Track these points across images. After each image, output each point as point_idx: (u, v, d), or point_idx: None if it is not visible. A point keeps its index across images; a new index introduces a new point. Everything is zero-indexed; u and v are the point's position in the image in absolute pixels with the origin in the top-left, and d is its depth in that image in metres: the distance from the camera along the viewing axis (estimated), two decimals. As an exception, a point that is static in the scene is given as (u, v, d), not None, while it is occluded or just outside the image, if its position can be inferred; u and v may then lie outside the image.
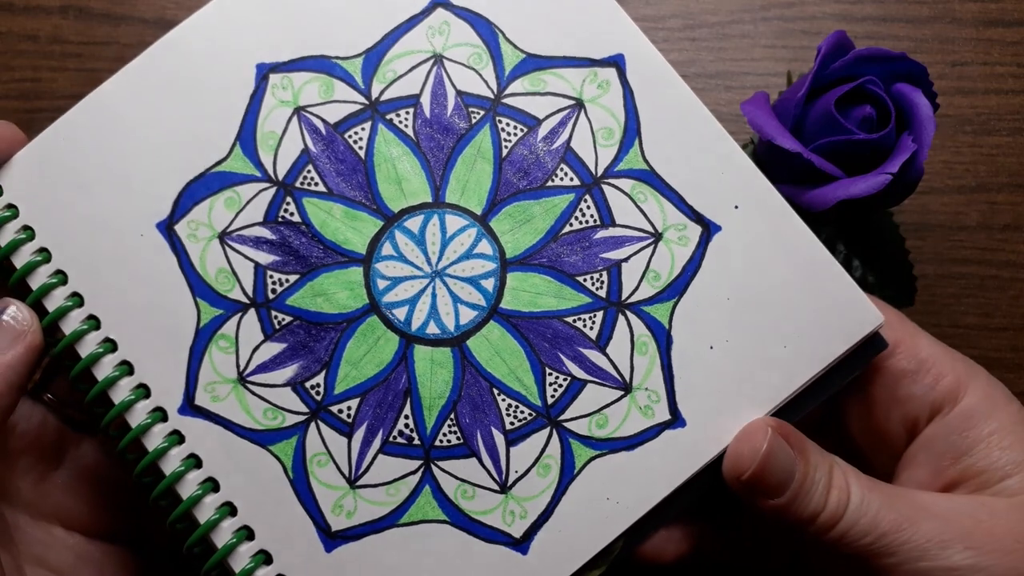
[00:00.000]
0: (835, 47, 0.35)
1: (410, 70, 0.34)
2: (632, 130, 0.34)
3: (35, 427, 0.34)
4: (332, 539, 0.33)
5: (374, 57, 0.35)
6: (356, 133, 0.34)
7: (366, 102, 0.35)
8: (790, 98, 0.35)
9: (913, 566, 0.29)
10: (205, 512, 0.32)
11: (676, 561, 0.35)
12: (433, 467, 0.33)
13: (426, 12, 0.35)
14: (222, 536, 0.32)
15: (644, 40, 0.34)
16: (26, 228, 0.34)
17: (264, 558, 0.32)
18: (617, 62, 0.34)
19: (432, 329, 0.34)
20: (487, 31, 0.35)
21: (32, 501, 0.34)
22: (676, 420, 0.33)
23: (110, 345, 0.34)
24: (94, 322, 0.34)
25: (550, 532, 0.32)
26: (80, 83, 0.46)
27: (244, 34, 0.35)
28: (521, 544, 0.32)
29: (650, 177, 0.33)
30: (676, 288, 0.33)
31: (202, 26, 0.35)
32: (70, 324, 0.33)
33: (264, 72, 0.35)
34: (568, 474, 0.33)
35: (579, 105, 0.34)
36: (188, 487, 0.33)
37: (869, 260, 0.40)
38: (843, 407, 0.36)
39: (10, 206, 0.34)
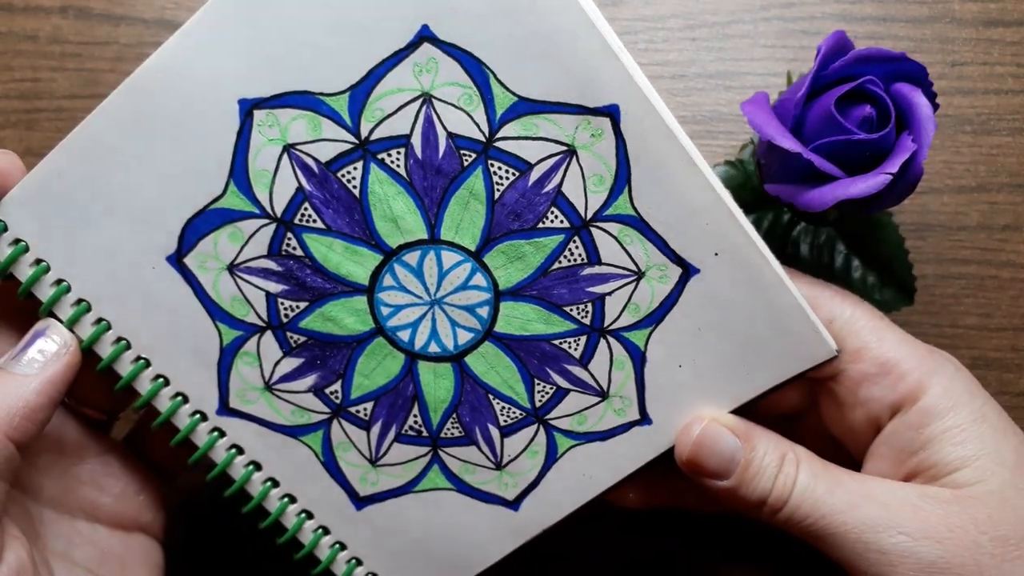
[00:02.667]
0: (835, 47, 0.31)
1: (399, 109, 0.30)
2: (623, 178, 0.30)
3: (56, 426, 0.33)
4: (361, 501, 0.35)
5: (360, 94, 0.30)
6: (349, 172, 0.31)
7: (356, 142, 0.30)
8: (790, 98, 0.32)
9: (849, 548, 0.30)
10: (254, 487, 0.34)
11: (638, 507, 0.37)
12: (440, 452, 0.34)
13: (411, 47, 0.29)
14: (271, 503, 0.34)
15: (639, 91, 0.29)
16: (39, 261, 0.32)
17: (307, 516, 0.35)
18: (612, 112, 0.29)
19: (433, 348, 0.33)
20: (477, 71, 0.29)
21: (55, 497, 0.33)
22: (644, 419, 0.33)
23: (143, 363, 0.33)
24: (125, 343, 0.32)
25: (537, 496, 0.35)
26: (80, 83, 0.42)
27: (220, 66, 0.29)
28: (513, 504, 0.35)
29: (637, 222, 0.31)
30: (654, 318, 0.32)
31: (177, 56, 0.29)
32: (104, 347, 0.32)
33: (247, 108, 0.30)
34: (552, 458, 0.34)
35: (571, 152, 0.30)
36: (236, 470, 0.34)
37: (869, 260, 0.37)
38: (819, 403, 0.35)
39: (18, 240, 0.31)
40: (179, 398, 0.34)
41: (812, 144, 0.32)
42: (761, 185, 0.34)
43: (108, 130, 0.30)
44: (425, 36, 0.29)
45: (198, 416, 0.34)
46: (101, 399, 0.35)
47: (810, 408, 0.37)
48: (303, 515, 0.36)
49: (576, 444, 0.35)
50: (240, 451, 0.35)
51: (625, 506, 0.38)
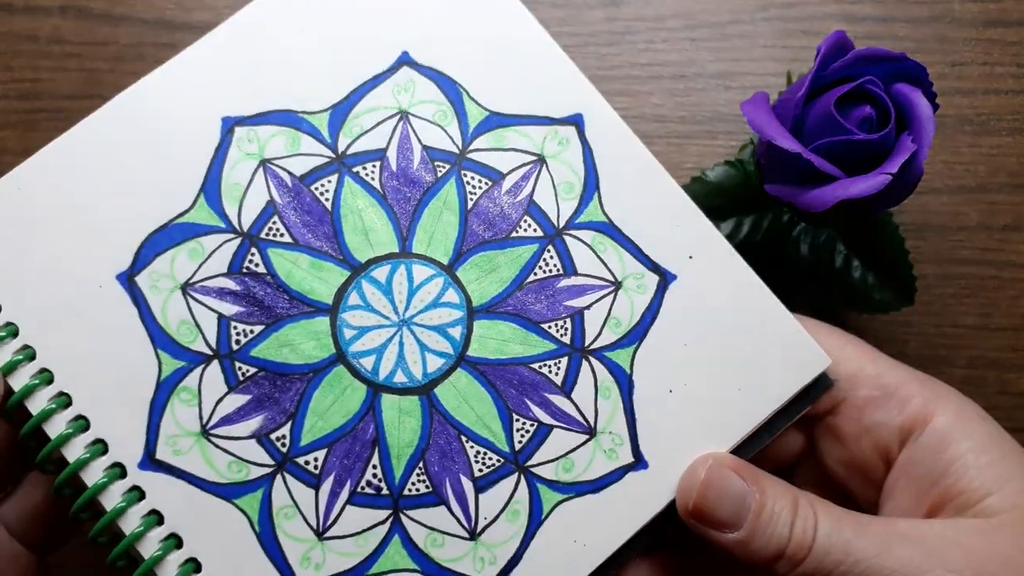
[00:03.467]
0: (835, 47, 0.30)
1: (376, 125, 0.30)
2: (591, 184, 0.30)
3: None
4: None
5: (340, 112, 0.30)
6: (323, 185, 0.30)
7: (332, 155, 0.30)
8: (790, 98, 0.31)
9: None
10: (168, 570, 0.27)
11: None
12: (402, 516, 0.28)
13: (392, 70, 0.30)
14: None
15: (601, 100, 0.30)
16: None
17: None
18: (576, 121, 0.30)
19: (400, 378, 0.29)
20: (451, 90, 0.30)
21: None
22: (639, 462, 0.29)
23: (64, 399, 0.28)
24: (48, 375, 0.28)
25: None
26: (80, 83, 0.40)
27: (209, 87, 0.30)
28: None
29: (609, 229, 0.30)
30: (636, 334, 0.29)
31: (168, 79, 0.30)
32: (20, 379, 0.28)
33: (230, 125, 0.30)
34: (536, 519, 0.28)
35: (541, 160, 0.30)
36: (150, 545, 0.27)
37: (869, 260, 0.36)
38: (818, 446, 0.31)
39: None
40: (98, 445, 0.28)
41: (812, 144, 0.30)
42: (761, 185, 0.33)
43: (80, 146, 0.30)
44: (405, 61, 0.31)
45: (116, 470, 0.28)
46: None
47: (804, 460, 0.32)
48: None
49: (564, 498, 0.29)
50: (159, 520, 0.28)
51: None
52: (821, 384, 0.30)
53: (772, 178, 0.31)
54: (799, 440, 0.32)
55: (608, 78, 0.41)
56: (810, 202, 0.30)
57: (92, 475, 0.28)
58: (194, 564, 0.27)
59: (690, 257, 0.29)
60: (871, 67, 0.31)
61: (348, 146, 0.30)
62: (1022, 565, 0.25)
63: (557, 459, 0.29)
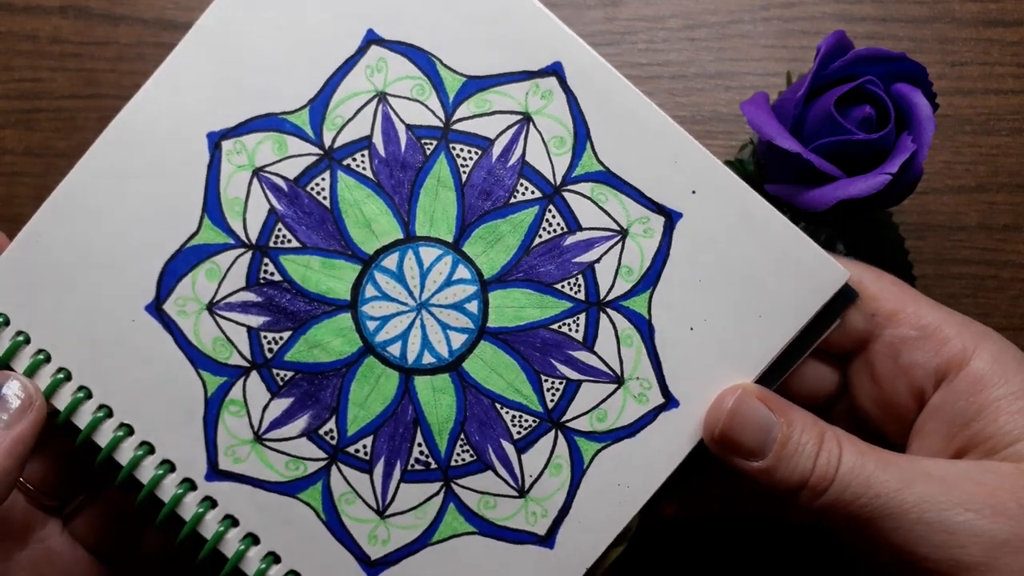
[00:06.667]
0: (835, 47, 0.29)
1: (357, 112, 0.28)
2: (582, 135, 0.28)
3: (5, 505, 0.29)
4: (373, 567, 0.28)
5: (319, 106, 0.28)
6: (318, 184, 0.28)
7: (320, 152, 0.28)
8: (790, 98, 0.30)
9: (910, 530, 0.24)
10: (251, 565, 0.28)
11: (672, 517, 0.31)
12: (453, 486, 0.28)
13: (361, 51, 0.28)
14: None
15: (579, 43, 0.28)
16: (20, 332, 0.28)
17: None
18: (556, 70, 0.28)
19: (428, 359, 0.28)
20: (424, 61, 0.28)
21: None
22: (670, 402, 0.28)
23: (127, 429, 0.28)
24: (107, 409, 0.28)
25: (571, 524, 0.28)
26: (80, 83, 0.39)
27: (188, 106, 0.28)
28: (547, 540, 0.28)
29: (607, 177, 0.28)
30: (649, 279, 0.28)
31: (147, 104, 0.28)
32: (83, 417, 0.28)
33: (216, 140, 0.28)
34: (579, 469, 0.28)
35: (527, 119, 0.28)
36: (230, 545, 0.28)
37: (869, 260, 0.33)
38: (851, 384, 0.30)
39: (3, 317, 0.28)
40: (165, 464, 0.29)
41: (812, 144, 0.29)
42: (761, 185, 0.31)
43: (84, 187, 0.29)
44: (372, 39, 0.29)
45: (187, 485, 0.29)
46: (55, 482, 0.30)
47: (839, 397, 0.31)
48: None
49: (602, 447, 0.28)
50: (234, 522, 0.29)
51: (664, 518, 0.30)
52: (845, 298, 0.27)
53: (772, 178, 0.30)
54: (834, 378, 0.30)
55: None
56: (810, 202, 0.29)
57: (166, 491, 0.28)
58: (273, 556, 0.28)
59: (693, 192, 0.27)
60: (871, 67, 0.30)
61: (334, 139, 0.28)
62: None
63: (590, 411, 0.28)
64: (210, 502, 0.28)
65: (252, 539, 0.28)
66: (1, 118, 0.39)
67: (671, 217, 0.28)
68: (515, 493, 0.28)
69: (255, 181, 0.29)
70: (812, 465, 0.26)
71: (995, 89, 0.39)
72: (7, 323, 0.29)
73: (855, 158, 0.29)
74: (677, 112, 0.39)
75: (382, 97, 0.28)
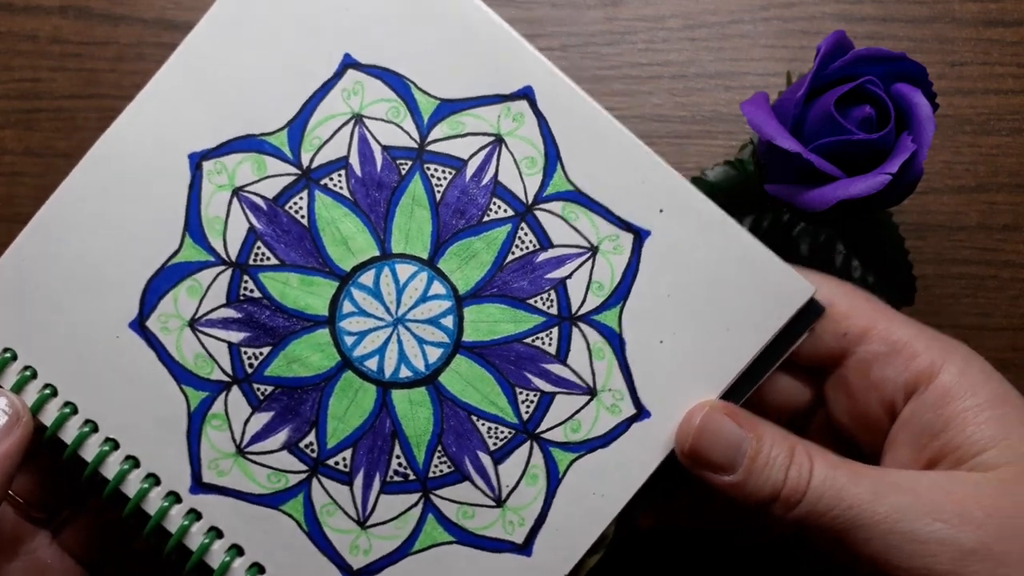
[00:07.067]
0: (834, 47, 0.29)
1: (334, 134, 0.29)
2: (552, 156, 0.28)
3: None
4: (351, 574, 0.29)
5: (298, 127, 0.29)
6: (296, 203, 0.29)
7: (298, 172, 0.29)
8: (790, 98, 0.30)
9: (882, 540, 0.25)
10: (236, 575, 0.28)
11: (648, 528, 0.32)
12: (432, 496, 0.29)
13: (338, 75, 0.29)
14: None
15: (550, 67, 0.28)
16: (7, 350, 0.29)
17: None
18: (527, 94, 0.28)
19: (404, 373, 0.29)
20: (399, 84, 0.29)
21: None
22: (641, 413, 0.28)
23: (112, 444, 0.29)
24: (92, 425, 0.29)
25: (548, 532, 0.29)
26: (80, 83, 0.39)
27: (170, 127, 0.29)
28: (525, 548, 0.29)
29: (577, 196, 0.28)
30: (620, 294, 0.28)
31: (130, 126, 0.29)
32: (69, 432, 0.29)
33: (197, 160, 0.29)
34: (554, 479, 0.29)
35: (499, 140, 0.29)
36: (216, 557, 0.28)
37: (869, 260, 0.34)
38: (827, 398, 0.30)
39: None
40: (150, 478, 0.29)
41: (812, 144, 0.29)
42: (761, 185, 0.31)
43: (68, 207, 0.29)
44: (348, 63, 0.29)
45: (172, 498, 0.29)
46: (43, 495, 0.31)
47: (816, 410, 0.31)
48: None
49: (577, 457, 0.29)
50: (219, 534, 0.29)
51: (641, 528, 0.31)
52: (812, 313, 0.28)
53: (772, 178, 0.30)
54: (808, 392, 0.31)
55: (608, 78, 0.39)
56: (810, 202, 0.29)
57: (152, 504, 0.29)
58: (258, 567, 0.29)
59: (660, 210, 0.28)
60: (871, 67, 0.29)
61: (311, 159, 0.29)
62: (1010, 515, 0.24)
63: (564, 422, 0.28)
64: (195, 514, 0.29)
65: (237, 550, 0.29)
66: (1, 118, 0.39)
67: (639, 234, 0.28)
68: (492, 503, 0.29)
69: (235, 200, 0.29)
70: (783, 477, 0.26)
71: (995, 89, 0.39)
72: None
73: (855, 158, 0.29)
74: (677, 112, 0.39)
75: (358, 119, 0.29)
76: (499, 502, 0.29)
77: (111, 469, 0.29)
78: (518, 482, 0.29)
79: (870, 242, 0.35)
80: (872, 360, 0.28)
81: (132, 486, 0.29)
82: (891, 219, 0.35)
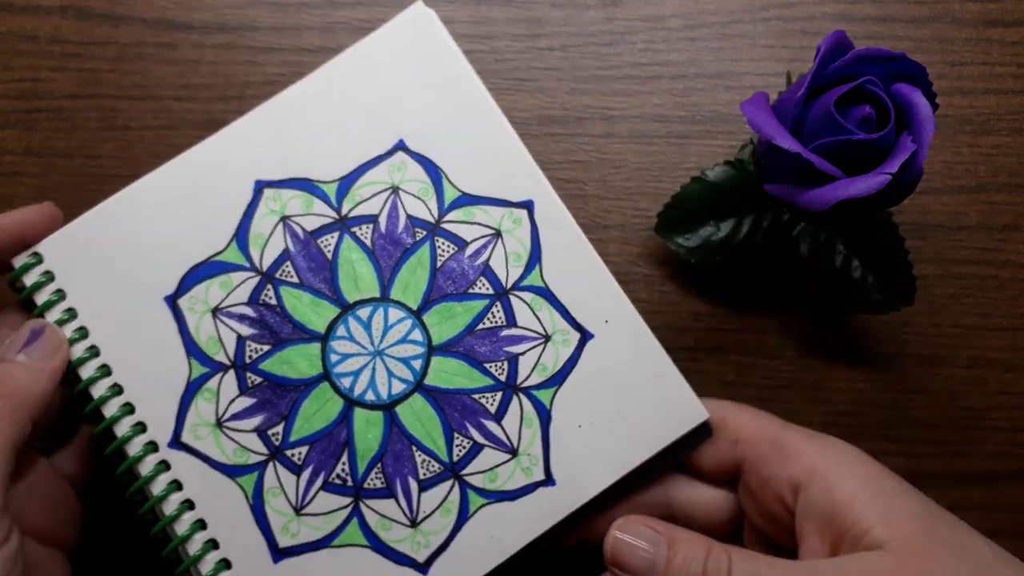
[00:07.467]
0: (834, 47, 0.29)
1: (373, 195, 0.36)
2: (535, 257, 0.35)
3: None
4: (280, 554, 0.33)
5: (346, 183, 0.36)
6: (327, 240, 0.35)
7: (337, 217, 0.36)
8: (789, 98, 0.30)
9: None
10: (182, 526, 0.33)
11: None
12: (361, 504, 0.34)
13: (390, 153, 0.36)
14: (193, 546, 0.33)
15: (549, 189, 0.35)
16: (59, 291, 0.35)
17: (225, 565, 0.33)
18: (528, 206, 0.35)
19: (370, 396, 0.34)
20: (434, 172, 0.36)
21: None
22: (548, 480, 0.34)
23: (117, 389, 0.34)
24: (106, 369, 0.34)
25: (446, 559, 0.33)
26: (80, 83, 0.39)
27: (247, 156, 0.36)
28: (423, 567, 0.33)
29: (546, 293, 0.35)
30: (558, 379, 0.34)
31: (216, 148, 0.36)
32: (87, 371, 0.34)
33: (260, 187, 0.36)
34: (464, 516, 0.33)
35: (497, 234, 0.35)
36: (170, 506, 0.33)
37: (869, 260, 0.34)
38: (742, 504, 0.33)
39: (47, 272, 0.35)
40: (139, 426, 0.35)
41: (812, 144, 0.29)
42: (761, 185, 0.32)
43: (148, 198, 0.36)
44: (400, 147, 0.37)
45: (150, 446, 0.35)
46: (47, 421, 0.35)
47: (742, 524, 0.35)
48: (220, 564, 0.34)
49: (486, 503, 0.35)
50: (179, 487, 0.35)
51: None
52: (703, 434, 0.34)
53: (772, 178, 0.30)
54: (731, 503, 0.33)
55: (608, 78, 0.39)
56: (810, 202, 0.29)
57: (133, 448, 0.34)
58: (201, 523, 0.33)
59: (606, 321, 0.34)
60: (871, 67, 0.29)
61: (350, 211, 0.36)
62: None
63: (485, 471, 0.34)
64: (164, 465, 0.34)
65: (189, 504, 0.34)
66: (1, 118, 0.38)
67: (585, 335, 0.35)
68: (408, 523, 0.34)
69: (280, 225, 0.36)
70: (702, 571, 0.28)
71: (995, 89, 0.39)
72: (52, 280, 0.35)
73: (855, 158, 0.29)
74: (677, 112, 0.39)
75: (395, 190, 0.36)
76: (414, 523, 0.34)
77: (110, 409, 0.35)
78: (434, 511, 0.34)
79: (870, 242, 0.34)
80: (761, 461, 0.31)
81: (122, 428, 0.34)
82: (891, 219, 0.34)
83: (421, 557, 0.34)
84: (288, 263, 0.36)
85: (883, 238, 0.35)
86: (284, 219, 0.36)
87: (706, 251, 0.36)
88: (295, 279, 0.36)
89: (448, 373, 0.35)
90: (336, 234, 0.36)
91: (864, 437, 0.31)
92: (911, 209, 0.38)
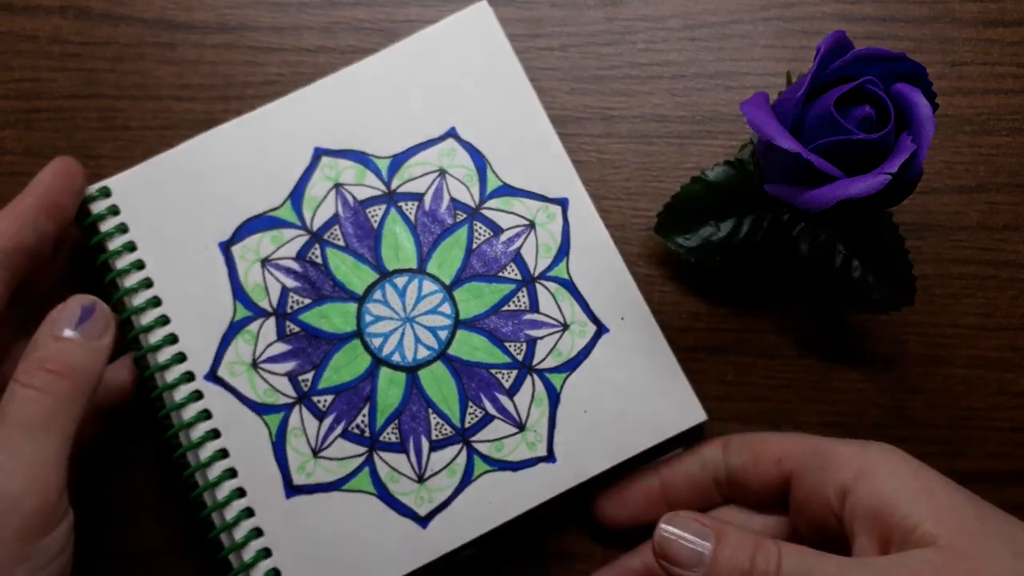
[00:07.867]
0: (834, 47, 0.29)
1: (422, 175, 0.38)
2: (564, 250, 0.38)
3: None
4: (292, 490, 0.35)
5: (399, 160, 0.38)
6: (375, 211, 0.38)
7: (386, 191, 0.38)
8: (789, 98, 0.30)
9: None
10: (205, 452, 0.35)
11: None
12: (374, 455, 0.36)
13: (442, 138, 0.39)
14: (213, 472, 0.35)
15: (583, 192, 0.38)
16: (122, 225, 0.37)
17: (239, 494, 0.35)
18: (563, 203, 0.38)
19: (396, 358, 0.37)
20: (480, 161, 0.39)
21: None
22: (550, 457, 0.36)
23: (163, 319, 0.37)
24: (156, 300, 0.37)
25: (446, 516, 0.35)
26: (80, 83, 0.38)
27: (310, 123, 0.38)
28: (423, 520, 0.35)
29: (569, 285, 0.38)
30: (571, 365, 0.37)
31: (282, 111, 0.38)
32: (137, 299, 0.37)
33: (319, 154, 0.38)
34: (467, 479, 0.36)
35: (532, 225, 0.38)
36: (196, 433, 0.36)
37: (869, 260, 0.34)
38: (793, 523, 0.32)
39: (113, 207, 0.37)
40: (179, 356, 0.37)
41: (812, 144, 0.29)
42: (761, 185, 0.32)
43: (216, 150, 0.39)
44: (451, 134, 0.40)
45: (187, 375, 0.37)
46: None
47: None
48: (235, 492, 0.36)
49: (490, 470, 0.37)
50: (208, 416, 0.37)
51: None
52: (696, 434, 0.37)
53: (772, 178, 0.30)
54: (784, 524, 0.33)
55: (608, 78, 0.39)
56: (810, 202, 0.29)
57: (171, 374, 0.36)
58: (223, 453, 0.36)
59: (622, 318, 0.37)
60: (871, 67, 0.29)
61: (399, 186, 0.39)
62: None
63: (493, 440, 0.37)
64: (197, 394, 0.37)
65: (214, 433, 0.37)
66: (1, 118, 0.38)
67: (601, 328, 0.38)
68: (416, 477, 0.37)
69: (333, 192, 0.39)
70: (750, 565, 0.27)
71: (995, 89, 0.38)
72: (117, 213, 0.38)
73: (855, 158, 0.29)
74: (677, 112, 0.39)
75: (443, 173, 0.39)
76: (421, 479, 0.37)
77: (155, 336, 0.37)
78: (441, 470, 0.37)
79: (870, 242, 0.34)
80: (806, 472, 0.31)
81: (163, 355, 0.37)
82: (891, 219, 0.34)
83: (423, 511, 0.36)
84: (336, 227, 0.39)
85: (883, 238, 0.34)
86: (337, 186, 0.39)
87: (706, 251, 0.36)
88: (341, 242, 0.38)
89: (470, 346, 0.38)
90: (384, 206, 0.39)
91: (864, 437, 0.31)
92: (911, 209, 0.37)
